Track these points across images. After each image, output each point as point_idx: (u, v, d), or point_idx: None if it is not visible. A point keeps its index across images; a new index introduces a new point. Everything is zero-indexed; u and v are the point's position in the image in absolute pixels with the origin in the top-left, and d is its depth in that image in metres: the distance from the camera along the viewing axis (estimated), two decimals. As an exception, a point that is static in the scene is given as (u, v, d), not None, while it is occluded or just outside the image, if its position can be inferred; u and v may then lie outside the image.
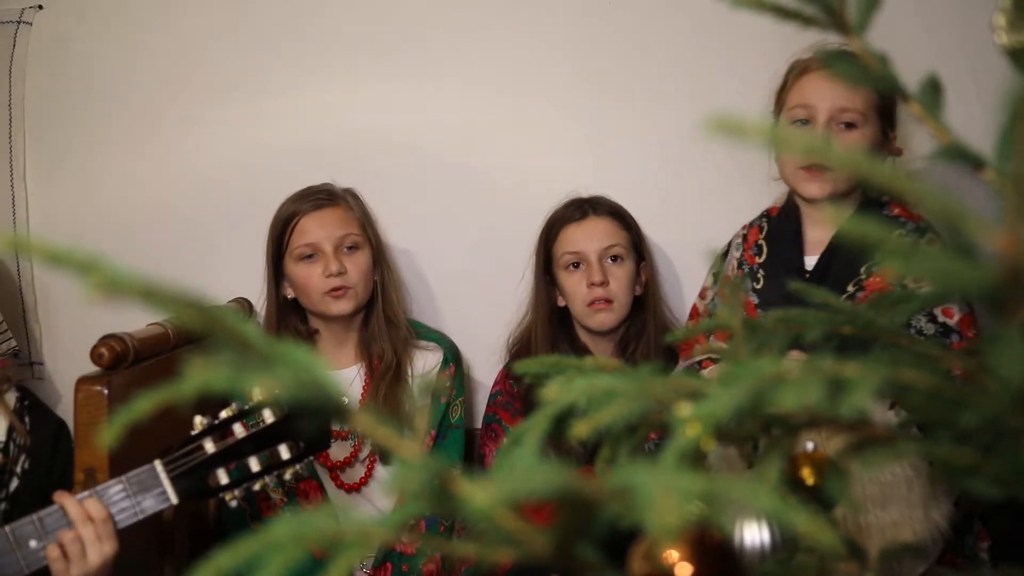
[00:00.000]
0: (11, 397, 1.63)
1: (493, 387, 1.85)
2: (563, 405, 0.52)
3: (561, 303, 1.80)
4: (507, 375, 1.83)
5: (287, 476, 1.27)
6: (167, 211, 2.09)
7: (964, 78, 1.69)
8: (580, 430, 0.47)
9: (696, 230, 1.91)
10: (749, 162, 1.81)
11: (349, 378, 1.77)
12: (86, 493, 1.21)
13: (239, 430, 1.24)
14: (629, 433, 0.59)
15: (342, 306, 1.71)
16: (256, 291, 2.02)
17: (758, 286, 1.57)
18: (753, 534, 0.65)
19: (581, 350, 1.80)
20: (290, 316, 1.79)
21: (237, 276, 2.02)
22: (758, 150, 1.70)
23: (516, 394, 1.79)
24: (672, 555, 0.44)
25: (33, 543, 1.19)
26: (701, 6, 1.90)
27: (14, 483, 1.54)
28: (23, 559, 1.18)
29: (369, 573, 1.68)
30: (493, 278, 2.00)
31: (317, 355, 0.42)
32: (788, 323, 0.63)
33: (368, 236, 1.77)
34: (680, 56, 1.95)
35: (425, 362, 1.78)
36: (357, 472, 1.75)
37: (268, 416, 1.25)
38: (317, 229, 1.72)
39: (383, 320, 1.76)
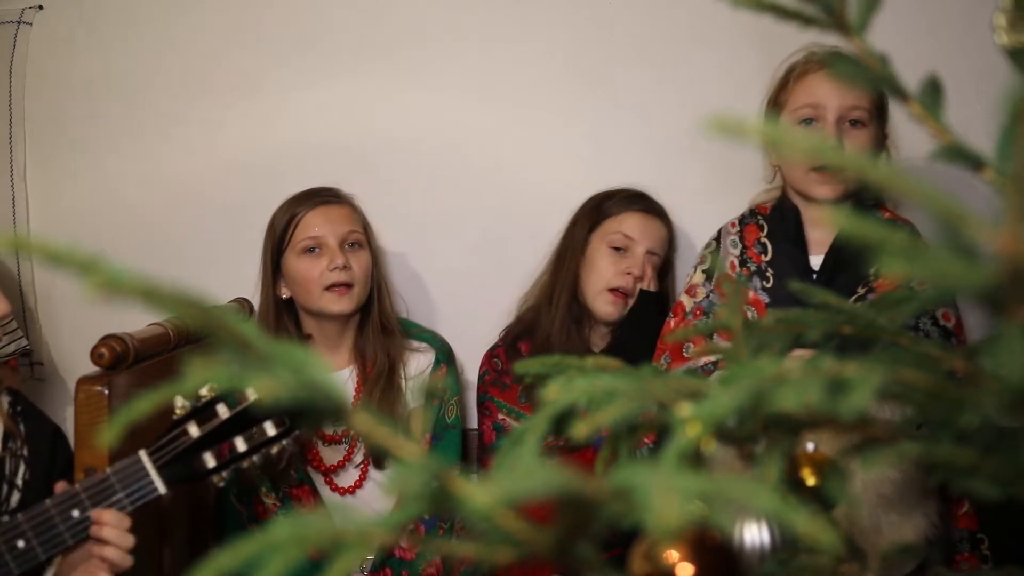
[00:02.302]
0: (3, 401, 1.50)
1: (480, 368, 1.87)
2: (563, 405, 0.52)
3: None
4: (491, 355, 1.85)
5: (274, 451, 1.25)
6: (167, 210, 2.10)
7: (964, 78, 1.69)
8: (580, 430, 0.47)
9: (695, 229, 1.92)
10: (746, 162, 1.81)
11: (340, 380, 1.75)
12: (76, 488, 1.20)
13: (222, 410, 1.21)
14: (629, 433, 0.59)
15: (343, 305, 1.68)
16: (255, 291, 2.02)
17: (768, 284, 1.56)
18: (753, 534, 0.65)
19: (580, 323, 1.80)
20: (284, 318, 1.75)
21: (237, 276, 2.02)
22: (755, 150, 1.70)
23: (502, 369, 1.82)
24: (672, 555, 0.44)
25: (76, 512, 1.19)
26: (700, 6, 1.90)
27: (15, 496, 1.48)
28: (67, 530, 1.19)
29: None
30: (490, 279, 2.00)
31: (316, 354, 0.42)
32: (788, 323, 0.63)
33: (368, 239, 1.76)
34: (678, 57, 1.95)
35: (417, 363, 1.76)
36: (351, 476, 1.74)
37: (251, 393, 1.19)
38: (323, 223, 1.70)
39: (378, 328, 1.74)
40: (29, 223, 2.12)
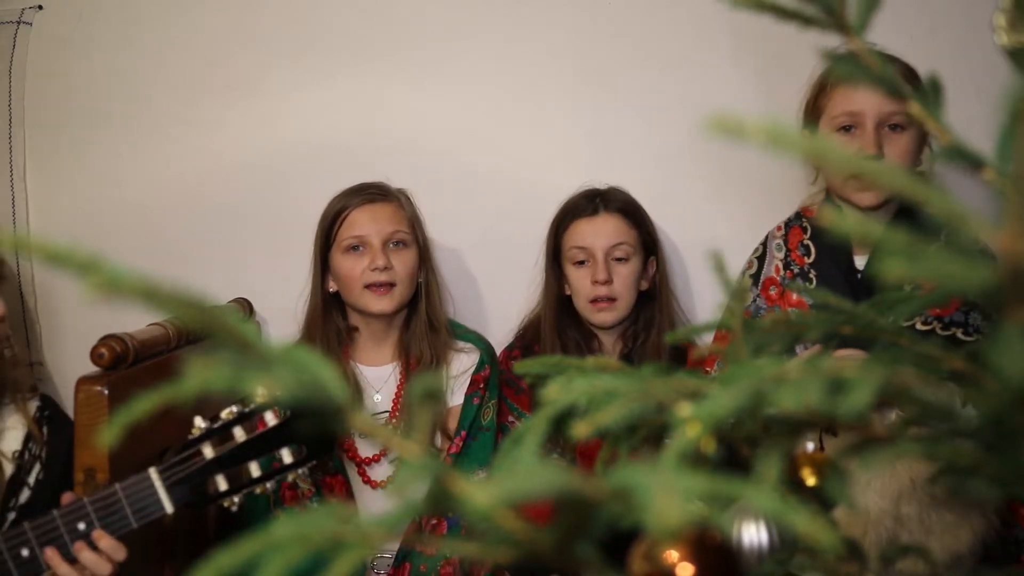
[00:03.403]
0: (32, 406, 1.58)
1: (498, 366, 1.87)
2: (563, 405, 0.52)
3: (567, 291, 1.81)
4: (508, 355, 1.86)
5: (289, 479, 1.24)
6: (167, 211, 2.09)
7: (964, 78, 1.69)
8: (580, 430, 0.47)
9: (697, 229, 1.92)
10: (748, 161, 1.81)
11: (384, 376, 1.77)
12: (84, 500, 1.20)
13: (240, 434, 1.20)
14: (629, 433, 0.59)
15: (383, 304, 1.70)
16: (255, 291, 2.02)
17: (811, 287, 1.56)
18: (753, 534, 0.65)
19: (588, 336, 1.82)
20: (332, 311, 1.77)
21: (237, 276, 2.02)
22: (757, 150, 1.70)
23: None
24: (672, 555, 0.44)
25: (82, 525, 1.19)
26: (702, 5, 1.90)
27: (25, 494, 1.49)
28: (72, 542, 1.19)
29: (389, 574, 1.67)
30: (495, 278, 2.00)
31: (318, 355, 0.41)
32: (788, 323, 0.63)
33: (416, 236, 1.76)
34: (681, 55, 1.95)
35: (461, 363, 1.77)
36: (385, 470, 1.74)
37: (270, 419, 1.21)
38: (367, 222, 1.71)
39: (425, 324, 1.75)
40: (29, 223, 2.12)
